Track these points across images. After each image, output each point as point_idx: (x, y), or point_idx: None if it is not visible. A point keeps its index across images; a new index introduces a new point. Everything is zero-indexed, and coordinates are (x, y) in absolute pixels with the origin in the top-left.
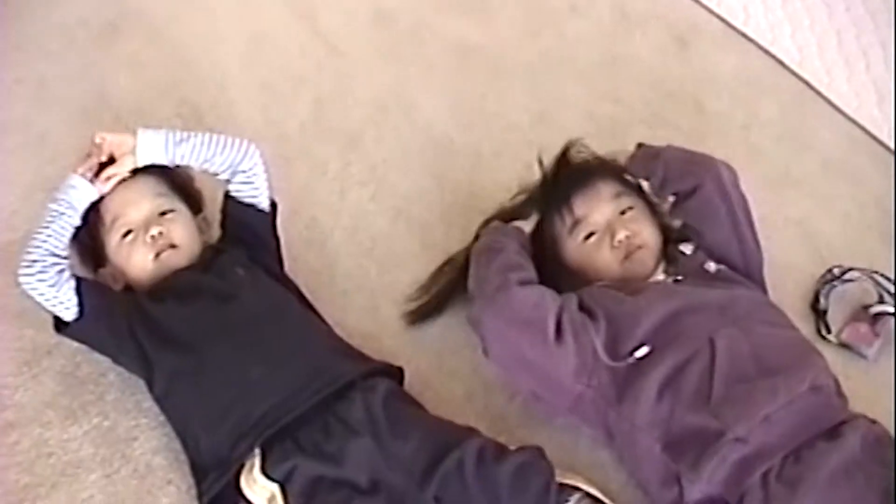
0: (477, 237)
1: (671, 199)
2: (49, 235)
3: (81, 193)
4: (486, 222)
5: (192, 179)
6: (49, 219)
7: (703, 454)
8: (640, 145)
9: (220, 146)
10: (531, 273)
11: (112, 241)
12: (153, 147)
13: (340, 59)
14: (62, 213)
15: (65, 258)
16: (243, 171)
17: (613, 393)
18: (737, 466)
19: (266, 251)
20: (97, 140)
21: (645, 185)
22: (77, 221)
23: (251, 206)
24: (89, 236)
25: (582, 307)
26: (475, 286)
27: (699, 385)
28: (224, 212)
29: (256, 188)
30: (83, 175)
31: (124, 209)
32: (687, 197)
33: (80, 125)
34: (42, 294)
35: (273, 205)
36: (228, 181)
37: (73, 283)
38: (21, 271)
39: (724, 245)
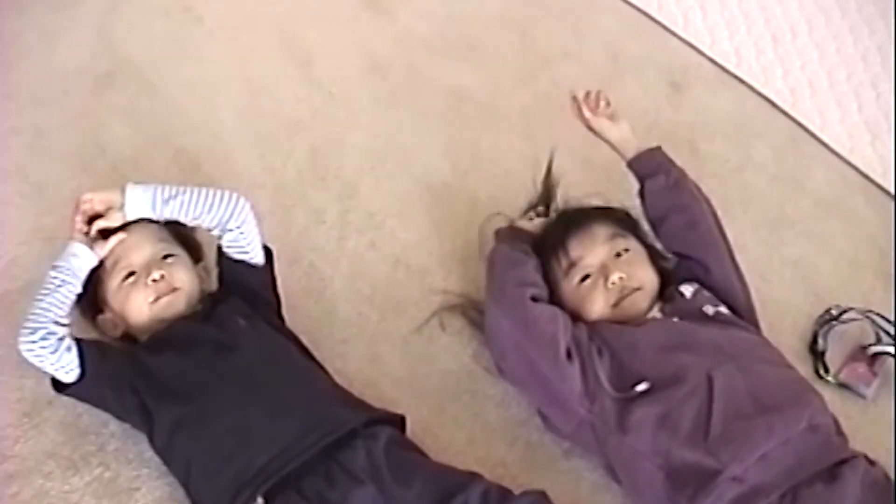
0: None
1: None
2: (52, 304)
3: (83, 261)
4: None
5: (193, 230)
6: (50, 287)
7: (700, 491)
8: (659, 147)
9: (207, 204)
10: (545, 292)
11: (113, 283)
12: (141, 203)
13: (336, 107)
14: (65, 282)
15: (66, 325)
16: (232, 230)
17: (614, 421)
18: None
19: (262, 303)
20: (84, 199)
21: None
22: (79, 289)
23: (242, 261)
24: (89, 280)
25: (590, 339)
26: (493, 292)
27: (696, 422)
28: (218, 265)
29: (246, 245)
30: (81, 240)
31: (126, 252)
32: (689, 226)
33: (76, 175)
34: (42, 360)
35: (269, 258)
36: (220, 236)
37: (73, 347)
38: (22, 339)
39: (727, 278)
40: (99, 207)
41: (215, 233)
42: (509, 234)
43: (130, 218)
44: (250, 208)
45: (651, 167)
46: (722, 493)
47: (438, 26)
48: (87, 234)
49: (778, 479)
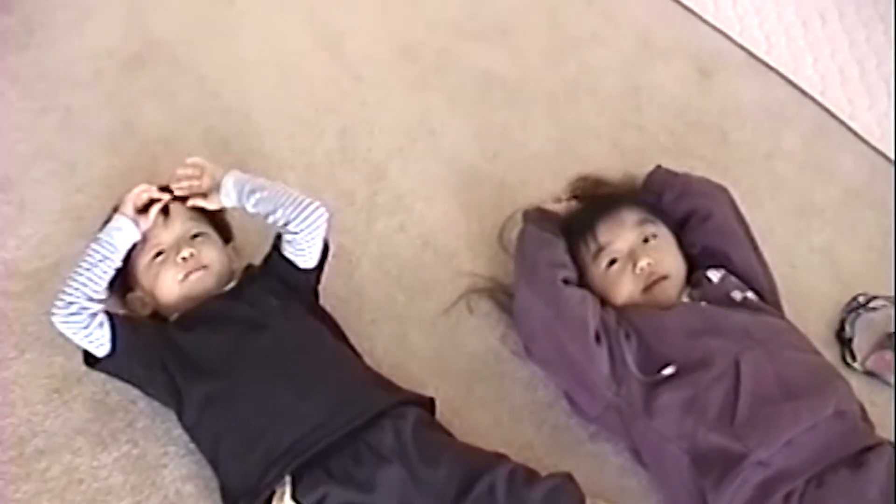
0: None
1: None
2: (90, 279)
3: (126, 235)
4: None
5: (224, 210)
6: (90, 262)
7: (726, 476)
8: (658, 167)
9: (280, 202)
10: (575, 274)
11: (142, 261)
12: (234, 191)
13: (365, 89)
14: (106, 258)
15: (101, 301)
16: (292, 233)
17: (641, 405)
18: (758, 489)
19: (299, 291)
20: (196, 163)
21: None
22: (118, 264)
23: (289, 261)
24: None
25: (618, 323)
26: (524, 272)
27: (723, 406)
28: (270, 249)
29: (301, 251)
30: (128, 215)
31: (156, 230)
32: (704, 220)
33: (106, 154)
34: (74, 333)
35: (323, 258)
36: (283, 231)
37: (106, 322)
38: (55, 311)
39: (749, 265)
40: (205, 184)
41: (280, 229)
42: (538, 216)
43: (227, 205)
44: (324, 218)
45: (655, 189)
46: (747, 477)
47: (468, 10)
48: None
49: (804, 465)
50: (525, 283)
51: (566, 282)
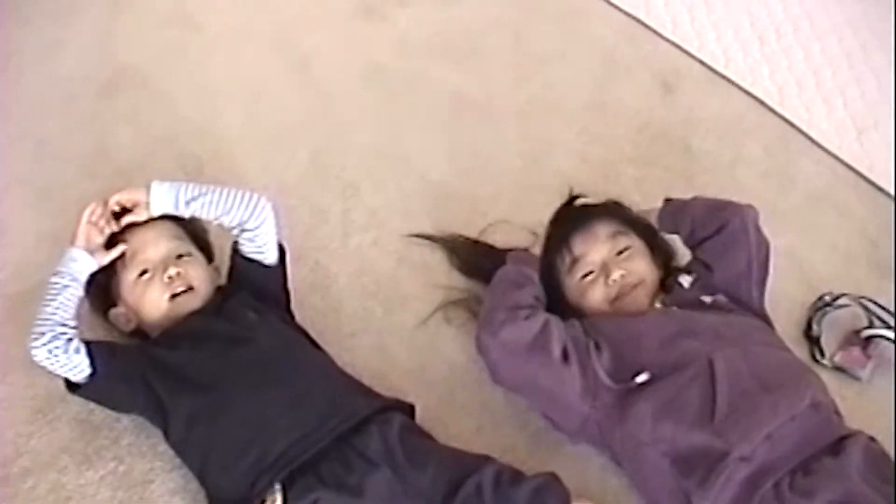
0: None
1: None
2: (57, 307)
3: (82, 265)
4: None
5: (206, 232)
6: (54, 291)
7: (710, 474)
8: (667, 200)
9: (228, 205)
10: (540, 311)
11: (128, 278)
12: (165, 201)
13: (336, 110)
14: (66, 286)
15: (73, 327)
16: (249, 230)
17: (617, 414)
18: (744, 485)
19: (272, 299)
20: (112, 204)
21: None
22: (81, 292)
23: (255, 261)
24: (104, 273)
25: (586, 334)
26: (485, 313)
27: (701, 405)
28: (231, 261)
29: (261, 246)
30: (80, 246)
31: (143, 247)
32: (709, 238)
33: (82, 179)
34: (53, 363)
35: (282, 258)
36: (237, 234)
37: (82, 348)
38: (32, 343)
39: (732, 282)
40: (127, 204)
41: (234, 232)
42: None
43: (155, 214)
44: (270, 209)
45: (669, 229)
46: (732, 474)
47: (435, 30)
48: (100, 232)
49: (785, 457)
50: (484, 325)
51: (527, 319)
